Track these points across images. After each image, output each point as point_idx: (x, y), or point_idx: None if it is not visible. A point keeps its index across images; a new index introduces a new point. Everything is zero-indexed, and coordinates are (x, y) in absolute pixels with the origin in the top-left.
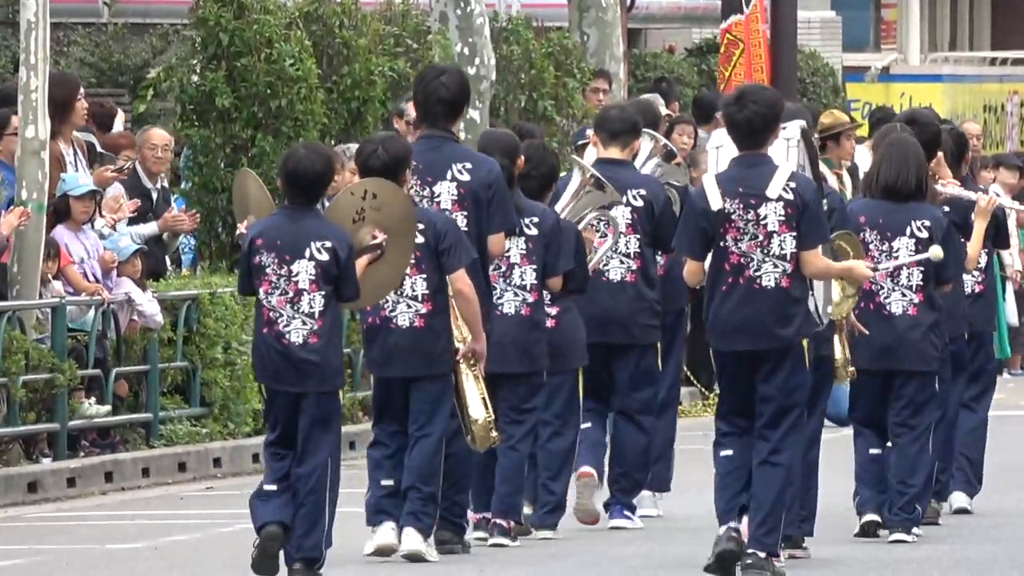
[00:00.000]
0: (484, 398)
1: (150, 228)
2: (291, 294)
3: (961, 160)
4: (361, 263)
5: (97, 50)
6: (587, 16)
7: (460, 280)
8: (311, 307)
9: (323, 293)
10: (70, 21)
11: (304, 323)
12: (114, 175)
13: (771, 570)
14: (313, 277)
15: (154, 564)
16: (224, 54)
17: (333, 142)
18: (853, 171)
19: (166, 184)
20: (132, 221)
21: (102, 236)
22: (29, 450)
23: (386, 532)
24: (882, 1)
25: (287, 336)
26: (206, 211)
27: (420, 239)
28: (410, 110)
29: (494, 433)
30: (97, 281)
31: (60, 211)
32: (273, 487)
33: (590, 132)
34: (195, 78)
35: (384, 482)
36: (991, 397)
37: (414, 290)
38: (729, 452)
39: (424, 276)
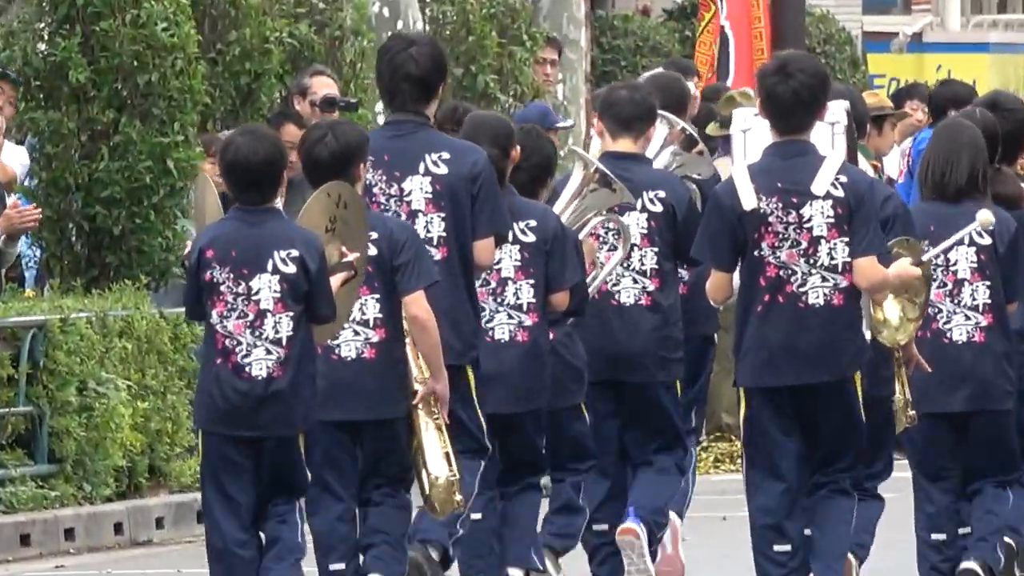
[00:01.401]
0: (448, 453)
1: None
2: (251, 316)
3: None
4: (335, 283)
5: None
6: None
7: (417, 304)
8: (277, 332)
9: (291, 314)
10: None
11: (269, 352)
12: None
13: None
14: (278, 295)
15: None
16: (79, 16)
17: (218, 127)
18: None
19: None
20: None
21: None
22: None
23: None
24: None
25: (247, 369)
26: (56, 215)
27: (373, 250)
28: (316, 87)
29: (458, 496)
30: None
31: None
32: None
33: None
34: (42, 46)
35: (333, 567)
36: None
37: (364, 313)
38: (765, 500)
39: (376, 296)
